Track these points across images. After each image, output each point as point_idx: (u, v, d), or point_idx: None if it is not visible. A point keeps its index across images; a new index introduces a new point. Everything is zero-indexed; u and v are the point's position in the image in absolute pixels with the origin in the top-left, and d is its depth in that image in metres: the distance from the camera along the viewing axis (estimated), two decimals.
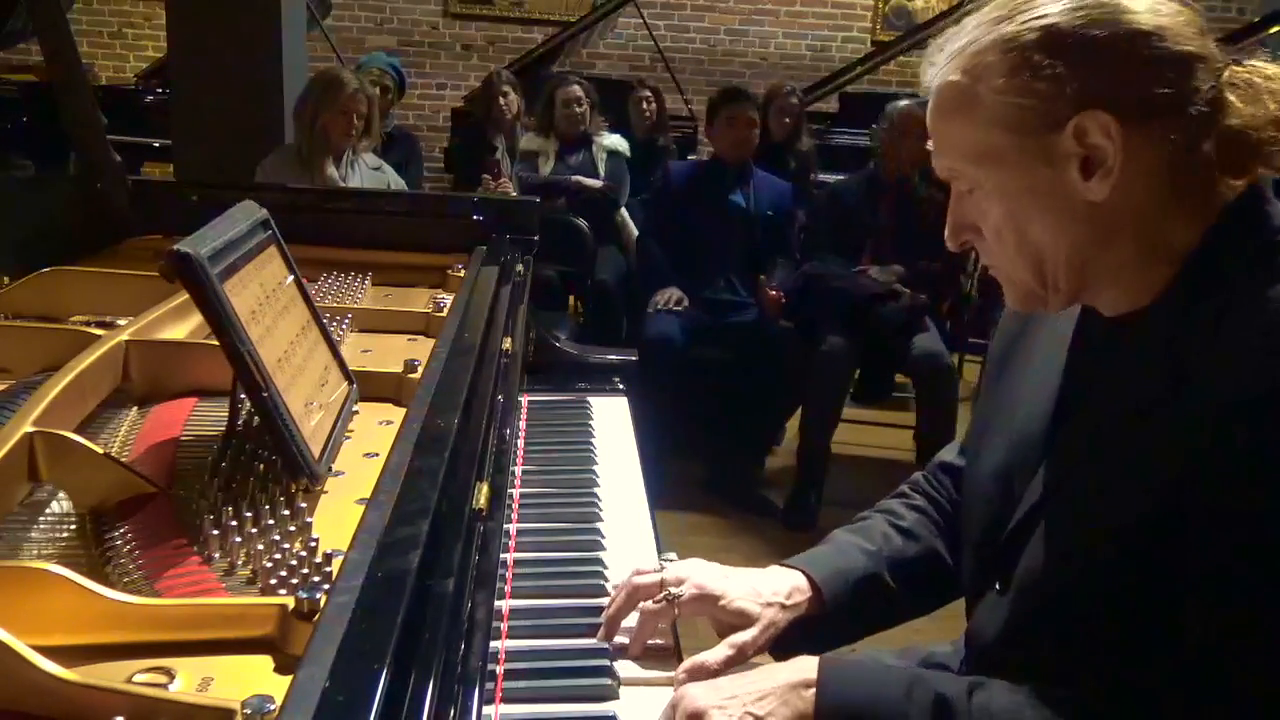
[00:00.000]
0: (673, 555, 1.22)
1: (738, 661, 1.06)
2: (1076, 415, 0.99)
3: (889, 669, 1.00)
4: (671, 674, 1.05)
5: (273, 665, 0.74)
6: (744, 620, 1.08)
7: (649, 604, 1.09)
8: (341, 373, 1.25)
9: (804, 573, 1.14)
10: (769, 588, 1.11)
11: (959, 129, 0.93)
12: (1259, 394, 0.81)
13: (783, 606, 1.10)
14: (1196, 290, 0.89)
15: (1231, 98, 0.88)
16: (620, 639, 1.11)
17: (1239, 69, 0.90)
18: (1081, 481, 0.95)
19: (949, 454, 1.28)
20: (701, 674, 1.04)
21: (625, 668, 1.07)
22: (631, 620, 1.11)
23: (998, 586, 1.03)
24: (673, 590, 1.09)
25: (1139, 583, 0.88)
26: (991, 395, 1.13)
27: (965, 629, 1.13)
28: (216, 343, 0.99)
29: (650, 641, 1.10)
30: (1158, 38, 0.87)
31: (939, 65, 0.95)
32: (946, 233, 1.00)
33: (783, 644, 1.12)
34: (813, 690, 0.93)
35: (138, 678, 0.71)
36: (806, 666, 0.96)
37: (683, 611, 1.09)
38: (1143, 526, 0.87)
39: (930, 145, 0.98)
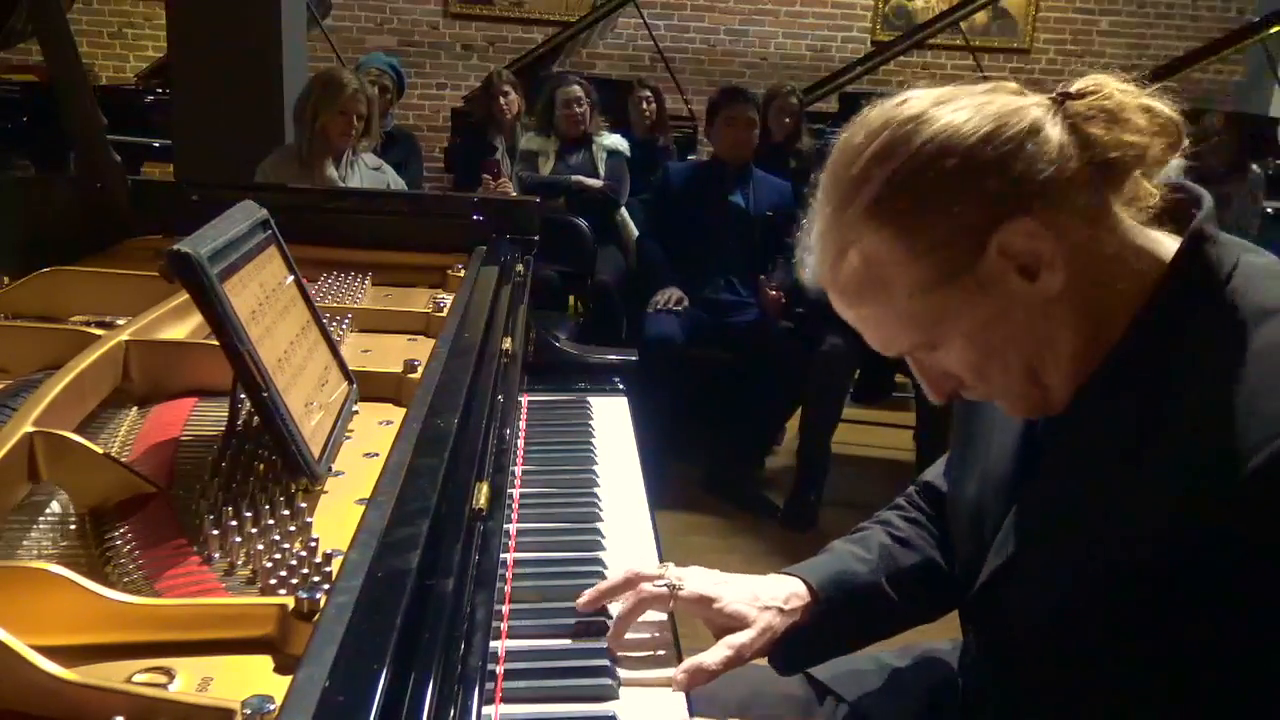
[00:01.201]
0: (671, 565, 1.22)
1: (735, 663, 1.06)
2: (1043, 466, 0.96)
3: None
4: (672, 673, 1.05)
5: (273, 665, 0.74)
6: (739, 623, 1.08)
7: (648, 585, 1.09)
8: (341, 373, 1.25)
9: (802, 579, 1.14)
10: (767, 592, 1.11)
11: (884, 313, 0.90)
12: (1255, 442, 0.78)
13: (780, 611, 1.10)
14: (1152, 342, 0.87)
15: (1095, 131, 0.85)
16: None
17: (1078, 103, 0.86)
18: (1049, 541, 0.93)
19: (932, 474, 1.27)
20: (700, 675, 1.04)
21: (625, 668, 1.07)
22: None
23: (976, 632, 1.04)
24: (673, 581, 1.09)
25: (1113, 638, 0.88)
26: (967, 423, 1.12)
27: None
28: (216, 343, 0.99)
29: (647, 636, 1.10)
30: (1001, 129, 0.83)
31: (817, 266, 0.92)
32: (930, 395, 0.96)
33: (782, 652, 1.12)
34: None
35: (138, 678, 0.71)
36: None
37: (679, 607, 1.10)
38: (1118, 583, 0.86)
39: (866, 337, 0.93)
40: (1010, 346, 0.89)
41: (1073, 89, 0.87)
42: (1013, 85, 0.89)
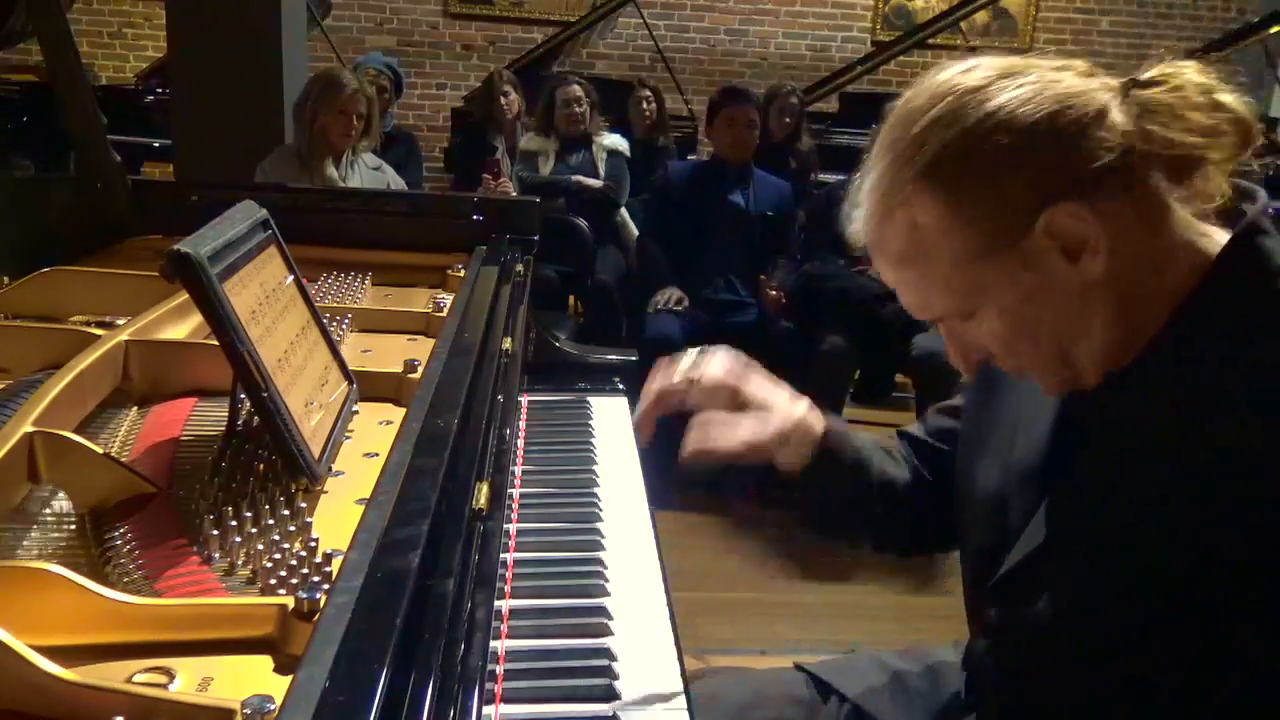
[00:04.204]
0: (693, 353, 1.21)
1: (759, 434, 1.08)
2: (1078, 458, 0.96)
3: None
4: (673, 672, 1.05)
5: (273, 665, 0.74)
6: (766, 407, 1.09)
7: (663, 380, 1.11)
8: (341, 373, 1.25)
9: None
10: (793, 394, 1.13)
11: (924, 279, 0.90)
12: None
13: (809, 411, 1.12)
14: (1197, 332, 0.86)
15: (1156, 127, 0.84)
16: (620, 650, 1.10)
17: (1144, 92, 0.85)
18: (1086, 529, 0.92)
19: (912, 428, 1.27)
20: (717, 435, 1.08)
21: (625, 667, 1.07)
22: (634, 640, 1.11)
23: (990, 623, 1.03)
24: (691, 374, 1.10)
25: (1138, 634, 0.88)
26: (982, 410, 1.11)
27: (965, 647, 1.13)
28: (216, 343, 0.99)
29: (647, 635, 1.10)
30: (1066, 109, 0.83)
31: (863, 223, 0.92)
32: (960, 366, 0.97)
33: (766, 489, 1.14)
34: None
35: (138, 678, 0.71)
36: None
37: (700, 398, 1.11)
38: (1151, 577, 0.86)
39: (903, 298, 0.94)
40: (1043, 326, 0.89)
41: (1143, 76, 0.86)
42: (1082, 65, 0.88)
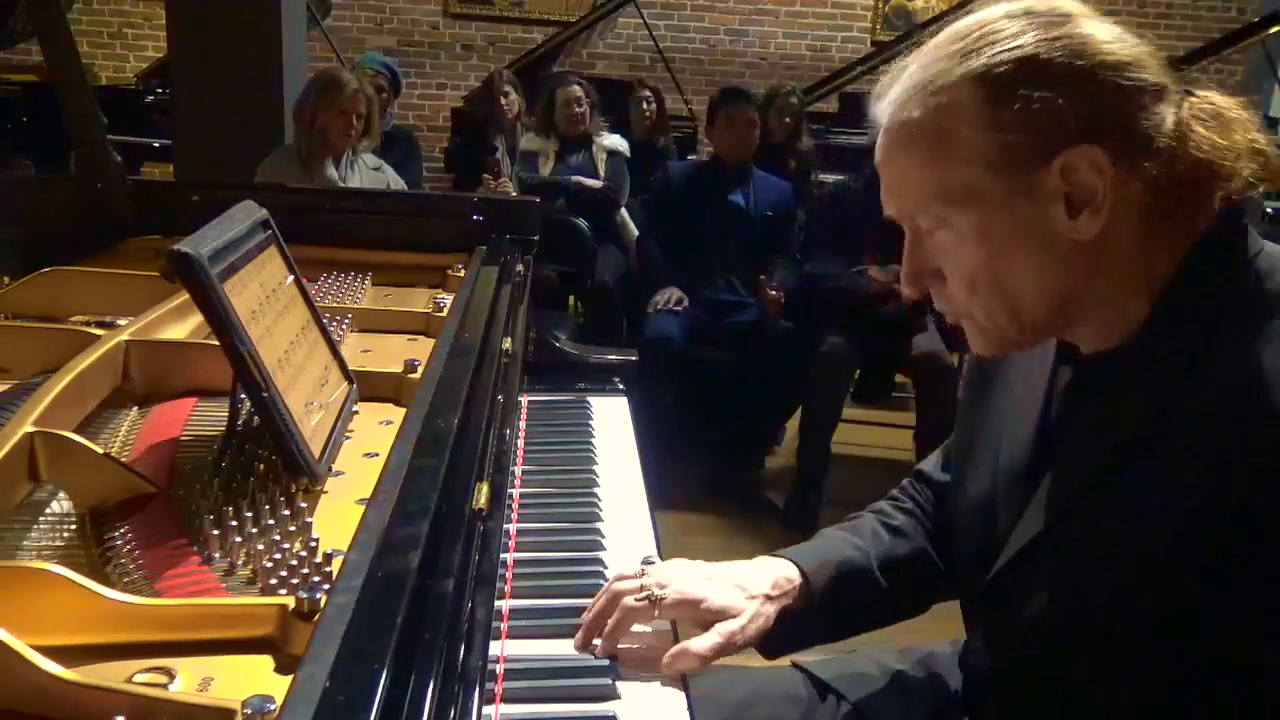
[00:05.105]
0: (654, 558, 1.21)
1: (725, 650, 1.05)
2: (1062, 456, 0.96)
3: None
4: (674, 674, 1.05)
5: (273, 665, 0.74)
6: (728, 617, 1.07)
7: (630, 600, 1.07)
8: (341, 373, 1.25)
9: (792, 562, 1.13)
10: (753, 580, 1.10)
11: (929, 168, 0.89)
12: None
13: (768, 597, 1.10)
14: (1176, 323, 0.87)
15: (1199, 129, 0.86)
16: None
17: (1196, 99, 0.88)
18: (1073, 525, 0.93)
19: (928, 465, 1.27)
20: (687, 659, 1.03)
21: (625, 668, 1.07)
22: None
23: (984, 625, 1.04)
24: (655, 591, 1.08)
25: (1130, 624, 0.88)
26: (972, 416, 1.12)
27: (962, 646, 1.13)
28: (216, 343, 0.99)
29: (649, 641, 1.10)
30: (1135, 68, 0.85)
31: (893, 101, 0.92)
32: (903, 278, 0.96)
33: (773, 641, 1.11)
34: None
35: (138, 678, 0.71)
36: None
37: (664, 614, 1.08)
38: (1145, 564, 0.86)
39: (886, 190, 0.94)
40: (1013, 266, 0.88)
41: (1196, 91, 0.89)
42: (1156, 51, 0.89)
